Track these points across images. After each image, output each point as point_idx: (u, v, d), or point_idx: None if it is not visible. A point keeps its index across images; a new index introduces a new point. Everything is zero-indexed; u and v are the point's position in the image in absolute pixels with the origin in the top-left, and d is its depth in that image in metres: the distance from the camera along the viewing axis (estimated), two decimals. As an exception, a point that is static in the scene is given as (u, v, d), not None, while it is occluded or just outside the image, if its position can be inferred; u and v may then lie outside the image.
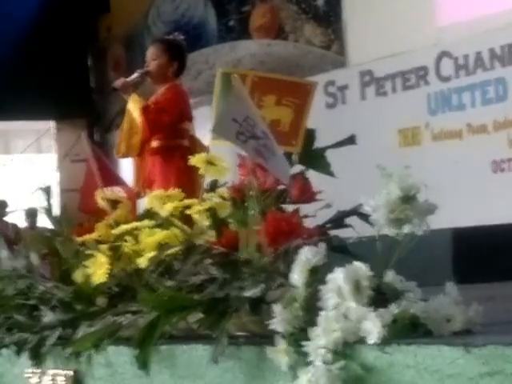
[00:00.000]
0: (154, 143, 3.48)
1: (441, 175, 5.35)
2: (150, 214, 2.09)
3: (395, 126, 6.12)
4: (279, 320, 1.43)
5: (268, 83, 2.13)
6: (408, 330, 1.37)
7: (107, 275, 1.95)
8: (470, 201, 5.45)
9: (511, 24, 5.30)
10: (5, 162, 9.59)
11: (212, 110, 2.11)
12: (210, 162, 2.00)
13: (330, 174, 2.09)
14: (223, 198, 1.97)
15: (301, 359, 1.39)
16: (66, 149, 8.83)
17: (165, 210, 2.02)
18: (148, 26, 9.15)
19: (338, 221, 1.95)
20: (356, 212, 1.87)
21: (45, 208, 2.26)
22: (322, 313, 1.38)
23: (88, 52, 9.98)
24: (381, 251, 1.42)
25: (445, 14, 5.86)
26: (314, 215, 1.93)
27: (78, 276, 2.06)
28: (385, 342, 1.32)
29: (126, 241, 2.03)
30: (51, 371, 1.94)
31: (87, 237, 2.15)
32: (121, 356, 1.78)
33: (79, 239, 2.19)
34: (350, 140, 2.13)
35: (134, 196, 2.55)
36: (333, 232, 1.92)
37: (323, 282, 1.42)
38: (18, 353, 1.95)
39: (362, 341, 1.35)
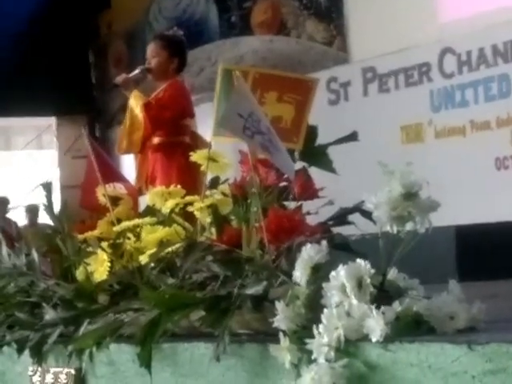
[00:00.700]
0: (156, 140, 3.47)
1: (444, 172, 5.34)
2: (151, 210, 2.09)
3: (398, 123, 6.11)
4: (282, 318, 1.42)
5: (269, 80, 2.12)
6: (411, 328, 1.36)
7: (108, 273, 1.95)
8: (474, 198, 5.44)
9: (514, 20, 5.28)
10: (6, 159, 9.59)
11: (214, 107, 2.10)
12: (211, 159, 1.99)
13: (332, 170, 2.08)
14: (225, 195, 1.97)
15: (304, 357, 1.38)
16: (67, 145, 8.84)
17: (166, 206, 2.01)
18: (149, 22, 9.15)
19: (341, 218, 1.94)
20: (358, 209, 1.85)
21: (45, 204, 2.25)
22: (325, 310, 1.37)
23: (89, 48, 9.98)
24: (383, 249, 1.41)
25: (447, 10, 5.84)
26: (316, 212, 1.92)
27: (79, 273, 2.05)
28: (388, 339, 1.31)
29: (127, 238, 2.02)
30: (53, 369, 1.94)
31: (89, 234, 2.15)
32: (123, 354, 1.78)
33: (80, 236, 2.18)
34: (352, 137, 2.12)
35: (136, 193, 2.54)
36: (335, 229, 1.92)
37: (326, 279, 1.41)
38: (20, 351, 1.95)
39: (365, 338, 1.34)
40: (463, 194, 5.38)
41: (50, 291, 2.04)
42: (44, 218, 2.44)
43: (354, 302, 1.37)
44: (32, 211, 7.80)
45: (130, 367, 1.75)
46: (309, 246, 1.48)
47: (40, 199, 2.31)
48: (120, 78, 3.62)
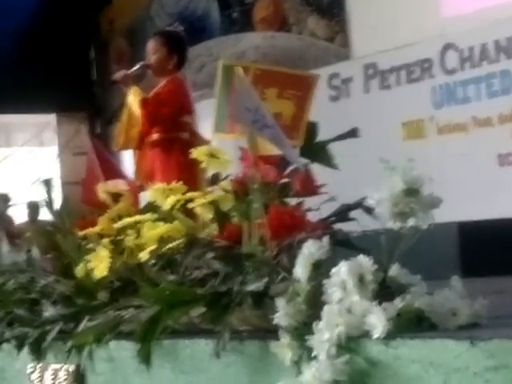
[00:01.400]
0: (154, 136, 3.46)
1: (446, 169, 5.33)
2: (152, 207, 2.08)
3: (399, 119, 6.09)
4: (283, 314, 1.41)
5: (269, 76, 2.11)
6: (413, 324, 1.35)
7: (109, 269, 1.94)
8: (476, 194, 5.42)
9: (517, 16, 5.26)
10: (6, 155, 9.58)
11: (214, 103, 2.09)
12: (212, 155, 1.98)
13: (333, 166, 2.08)
14: (226, 191, 1.96)
15: (304, 354, 1.38)
16: (67, 142, 8.83)
17: (167, 203, 2.00)
18: (151, 18, 9.13)
19: (342, 214, 1.93)
20: (360, 205, 1.85)
21: (46, 201, 2.24)
22: (326, 307, 1.37)
23: (90, 45, 9.96)
24: (385, 245, 1.41)
25: (449, 6, 5.82)
26: (317, 209, 1.92)
27: (79, 270, 2.05)
28: (389, 336, 1.31)
29: (128, 234, 2.01)
30: (52, 366, 1.93)
31: (89, 230, 2.14)
32: (122, 351, 1.77)
33: (81, 233, 2.17)
34: (352, 133, 2.11)
35: (137, 189, 2.54)
36: (337, 225, 1.91)
37: (327, 275, 1.40)
38: (19, 347, 1.94)
39: (366, 335, 1.33)
40: (465, 191, 5.36)
41: (49, 288, 2.03)
42: (45, 215, 2.43)
43: (356, 298, 1.36)
44: (32, 208, 7.80)
45: (130, 364, 1.74)
46: (310, 242, 1.47)
47: (41, 196, 2.30)
48: (119, 75, 3.61)
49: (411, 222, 1.37)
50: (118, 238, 2.04)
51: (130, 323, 1.68)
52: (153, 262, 1.85)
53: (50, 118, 9.76)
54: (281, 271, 1.54)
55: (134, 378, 1.75)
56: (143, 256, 1.86)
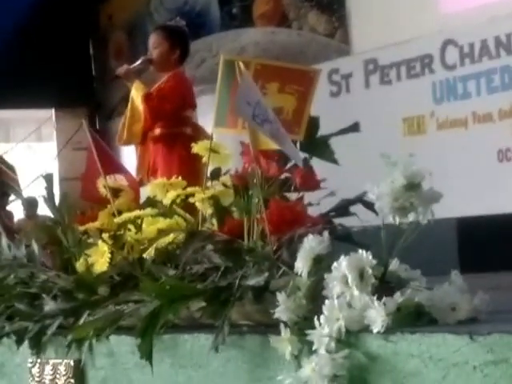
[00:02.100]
0: (157, 131, 3.46)
1: (446, 164, 5.33)
2: (152, 202, 2.08)
3: (400, 115, 6.10)
4: (283, 309, 1.41)
5: (271, 71, 2.10)
6: (412, 319, 1.35)
7: (109, 264, 1.94)
8: (476, 190, 5.43)
9: (517, 11, 5.25)
10: (5, 150, 9.57)
11: (215, 98, 2.09)
12: (213, 150, 1.98)
13: (334, 161, 2.07)
14: (226, 186, 1.96)
15: (304, 348, 1.38)
16: (67, 137, 8.82)
17: (167, 198, 2.00)
18: (150, 13, 9.11)
19: (343, 209, 1.93)
20: (360, 200, 1.85)
21: (45, 196, 2.24)
22: (326, 301, 1.37)
23: (89, 40, 9.95)
24: (385, 240, 1.41)
25: (449, 2, 5.82)
26: (317, 203, 1.92)
27: (79, 265, 2.05)
28: (389, 330, 1.31)
29: (128, 229, 2.01)
30: (52, 360, 1.93)
31: (89, 225, 2.14)
32: (122, 345, 1.77)
33: (81, 228, 2.17)
34: (354, 127, 2.11)
35: (137, 184, 2.53)
36: (337, 220, 1.91)
37: (327, 270, 1.41)
38: (19, 342, 1.94)
39: (366, 329, 1.33)
40: (465, 186, 5.36)
41: (50, 282, 2.03)
42: (43, 210, 2.43)
43: (356, 293, 1.36)
44: (30, 203, 7.79)
45: (130, 358, 1.74)
46: (310, 236, 1.47)
47: (39, 191, 2.30)
48: (122, 69, 3.61)
49: (411, 217, 1.37)
50: (119, 232, 2.04)
51: (130, 318, 1.68)
52: (153, 256, 1.85)
53: (50, 114, 9.75)
54: (281, 266, 1.54)
55: (134, 373, 1.75)
56: (148, 254, 1.86)
